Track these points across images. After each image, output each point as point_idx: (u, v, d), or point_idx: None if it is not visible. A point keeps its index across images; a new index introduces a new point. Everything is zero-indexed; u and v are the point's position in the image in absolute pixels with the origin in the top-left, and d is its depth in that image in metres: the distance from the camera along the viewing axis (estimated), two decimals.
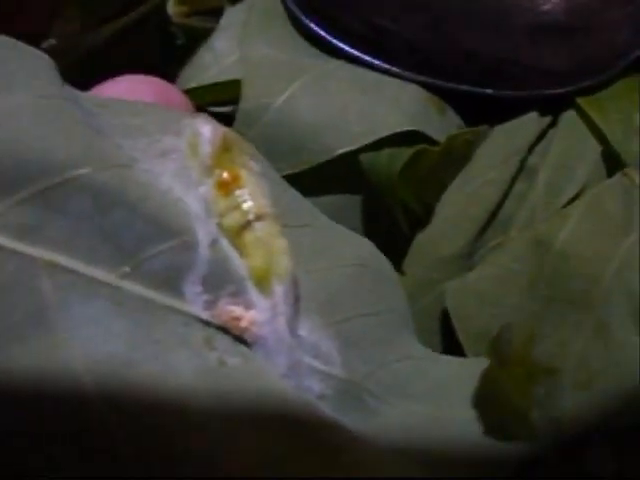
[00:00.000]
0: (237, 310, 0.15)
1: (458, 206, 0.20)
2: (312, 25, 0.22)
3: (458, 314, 0.17)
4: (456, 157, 0.20)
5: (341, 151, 0.20)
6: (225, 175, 0.15)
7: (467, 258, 0.20)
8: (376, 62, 0.21)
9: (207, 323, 0.15)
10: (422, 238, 0.20)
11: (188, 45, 0.25)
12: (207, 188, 0.15)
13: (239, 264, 0.15)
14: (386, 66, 0.21)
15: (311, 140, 0.20)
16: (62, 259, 0.14)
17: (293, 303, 0.14)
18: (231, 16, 0.23)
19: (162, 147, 0.16)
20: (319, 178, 0.20)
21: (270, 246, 0.14)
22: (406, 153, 0.19)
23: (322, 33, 0.22)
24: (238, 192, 0.15)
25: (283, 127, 0.20)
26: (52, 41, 0.22)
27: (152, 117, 0.17)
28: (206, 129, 0.15)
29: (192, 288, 0.15)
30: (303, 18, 0.22)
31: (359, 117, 0.20)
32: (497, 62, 0.21)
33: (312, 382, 0.14)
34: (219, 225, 0.15)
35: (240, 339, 0.15)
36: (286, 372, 0.14)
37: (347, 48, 0.21)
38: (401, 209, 0.19)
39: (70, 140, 0.15)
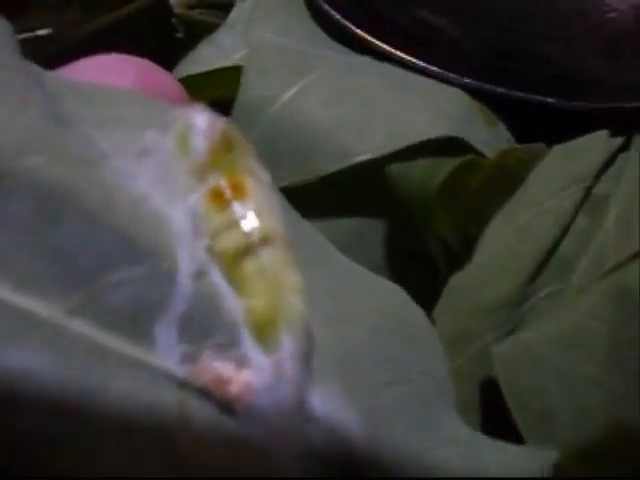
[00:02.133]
0: (226, 369, 0.11)
1: (506, 241, 0.16)
2: (335, 13, 0.19)
3: (512, 387, 0.13)
4: (506, 180, 0.17)
5: (361, 158, 0.16)
6: (223, 181, 0.11)
7: (515, 307, 0.16)
8: (412, 59, 0.18)
9: (183, 384, 0.11)
10: (459, 279, 0.17)
11: (189, 39, 0.22)
12: (197, 197, 0.12)
13: (233, 304, 0.11)
14: (423, 64, 0.18)
15: (322, 143, 0.16)
16: None
17: (305, 363, 0.11)
18: (241, 11, 0.20)
19: (142, 144, 0.12)
20: (330, 194, 0.16)
21: (279, 281, 0.11)
22: (448, 165, 0.15)
23: (347, 23, 0.19)
24: (239, 205, 0.11)
25: (288, 126, 0.16)
26: (48, 29, 0.21)
27: (133, 107, 0.14)
28: (201, 119, 0.12)
29: (165, 333, 0.11)
30: (324, 5, 0.19)
31: (386, 118, 0.16)
32: (560, 68, 0.18)
33: (323, 464, 0.11)
34: (209, 249, 0.11)
35: (227, 409, 0.11)
36: (289, 462, 0.11)
37: (375, 41, 0.18)
38: (437, 239, 0.16)
39: (17, 121, 0.12)
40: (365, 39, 0.18)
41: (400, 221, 0.17)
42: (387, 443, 0.12)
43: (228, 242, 0.11)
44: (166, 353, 0.11)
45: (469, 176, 0.15)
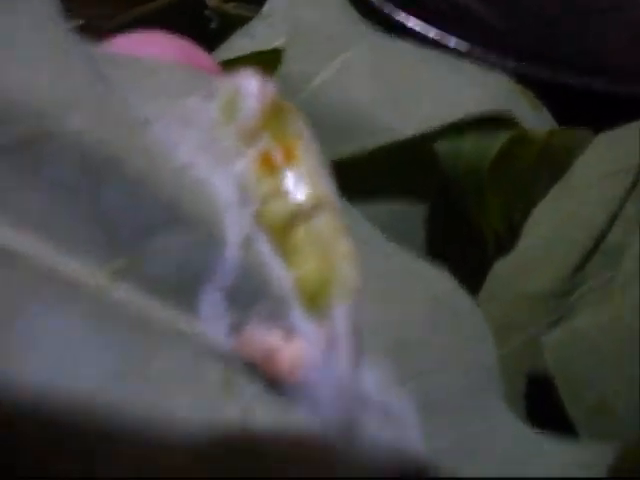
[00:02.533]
0: (274, 339, 0.11)
1: (552, 228, 0.16)
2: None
3: (565, 378, 0.13)
4: (552, 162, 0.16)
5: (406, 134, 0.15)
6: (273, 146, 0.11)
7: (562, 297, 0.16)
8: (454, 40, 0.17)
9: (229, 356, 0.11)
10: (503, 266, 0.16)
11: (222, 31, 0.22)
12: (246, 163, 0.11)
13: (282, 273, 0.11)
14: (466, 46, 0.17)
15: (365, 119, 0.15)
16: (26, 243, 0.10)
17: (359, 335, 0.10)
18: (275, 3, 0.20)
19: (184, 112, 0.12)
20: (373, 173, 0.16)
21: (330, 248, 0.10)
22: (498, 140, 0.15)
23: (387, 6, 0.19)
24: (289, 171, 0.11)
25: (330, 101, 0.16)
26: (80, 21, 0.20)
27: (175, 77, 0.13)
28: (251, 82, 0.11)
29: (211, 302, 0.11)
30: None
31: (431, 95, 0.16)
32: (609, 52, 0.17)
33: (378, 457, 0.10)
34: (258, 216, 0.11)
35: (276, 383, 0.11)
36: (341, 439, 0.10)
37: (416, 24, 0.18)
38: (488, 220, 0.15)
39: (62, 81, 0.11)
40: (405, 22, 0.18)
41: (446, 202, 0.16)
42: (441, 434, 0.11)
43: (278, 209, 0.11)
44: (211, 323, 0.11)
45: (520, 152, 0.15)
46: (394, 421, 0.10)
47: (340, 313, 0.10)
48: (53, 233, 0.10)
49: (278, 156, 0.11)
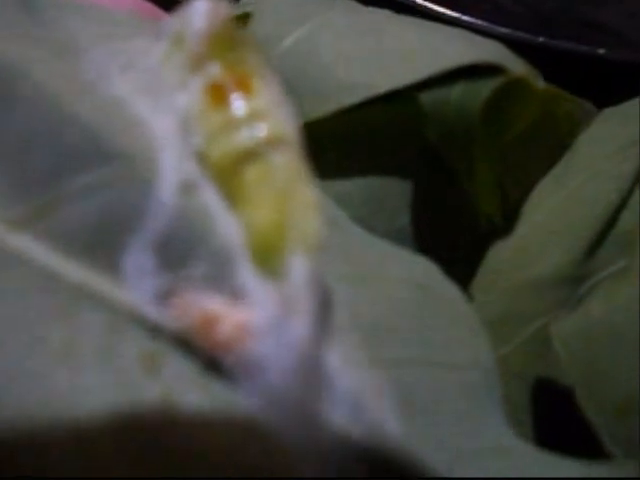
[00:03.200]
0: (214, 304, 0.08)
1: (555, 207, 0.14)
2: None
3: (582, 374, 0.10)
4: (553, 133, 0.14)
5: (385, 88, 0.13)
6: (223, 73, 0.09)
7: (571, 284, 0.14)
8: (440, 9, 0.16)
9: (155, 326, 0.08)
10: (500, 252, 0.14)
11: None
12: (189, 95, 0.09)
13: (227, 223, 0.09)
14: (453, 14, 0.16)
15: (341, 76, 0.13)
16: None
17: (322, 301, 0.08)
18: None
19: (128, 55, 0.10)
20: (348, 141, 0.14)
21: (289, 193, 0.08)
22: (490, 87, 0.12)
23: None
24: (242, 101, 0.09)
25: (303, 60, 0.14)
26: None
27: (123, 22, 0.12)
28: (200, 4, 0.10)
29: (137, 260, 0.08)
30: None
31: (413, 51, 0.14)
32: (608, 26, 0.16)
33: (345, 457, 0.08)
34: (202, 155, 0.09)
35: (212, 362, 0.09)
36: (297, 434, 0.08)
37: (429, 4, 0.16)
38: (480, 189, 0.13)
39: None
40: (416, 2, 0.16)
41: (431, 174, 0.14)
42: (424, 436, 0.09)
43: (226, 145, 0.09)
44: (136, 286, 0.08)
45: (516, 100, 0.13)
46: (364, 411, 0.08)
47: (299, 269, 0.08)
48: None
49: (229, 86, 0.09)
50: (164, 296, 0.08)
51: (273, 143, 0.09)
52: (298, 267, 0.08)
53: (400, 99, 0.13)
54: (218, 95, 0.09)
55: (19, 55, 0.09)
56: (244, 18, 0.17)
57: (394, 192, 0.14)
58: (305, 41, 0.15)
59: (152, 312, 0.08)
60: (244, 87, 0.09)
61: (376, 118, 0.14)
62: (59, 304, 0.08)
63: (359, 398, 0.08)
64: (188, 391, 0.08)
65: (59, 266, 0.08)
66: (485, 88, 0.12)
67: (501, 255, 0.14)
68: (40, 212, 0.09)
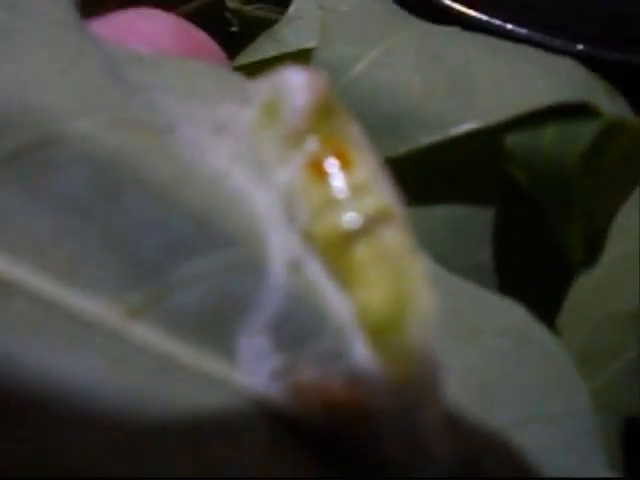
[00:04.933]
0: (334, 385, 0.09)
1: None
2: None
3: None
4: (634, 164, 0.14)
5: (466, 128, 0.13)
6: (324, 149, 0.09)
7: None
8: (510, 26, 0.16)
9: (274, 407, 0.09)
10: (586, 283, 0.14)
11: (244, 34, 0.21)
12: (291, 171, 0.09)
13: (338, 301, 0.09)
14: (524, 31, 0.15)
15: (416, 111, 0.13)
16: (24, 272, 0.09)
17: (442, 378, 0.08)
18: (302, 5, 0.19)
19: (218, 118, 0.11)
20: (425, 175, 0.14)
21: (402, 269, 0.08)
22: (586, 132, 0.12)
23: None
24: (345, 177, 0.09)
25: (374, 90, 0.13)
26: None
27: (205, 78, 0.12)
28: (298, 77, 0.10)
29: (252, 342, 0.09)
30: None
31: (494, 84, 0.13)
32: None
33: None
34: (307, 233, 0.09)
35: (338, 438, 0.09)
36: None
37: (466, 10, 0.16)
38: (576, 229, 0.13)
39: (69, 78, 0.10)
40: (451, 7, 0.16)
41: (515, 208, 0.14)
42: None
43: (332, 223, 0.09)
44: (252, 367, 0.09)
45: (615, 144, 0.13)
46: None
47: (421, 347, 0.08)
48: (57, 260, 0.09)
49: (330, 161, 0.09)
50: (282, 376, 0.09)
51: (381, 218, 0.09)
52: (419, 346, 0.08)
53: (482, 136, 0.13)
54: (319, 172, 0.09)
55: (124, 143, 0.09)
56: (303, 55, 0.17)
57: (475, 226, 0.14)
58: (379, 66, 0.14)
59: (269, 395, 0.09)
60: (345, 161, 0.09)
61: (456, 152, 0.14)
62: (181, 391, 0.09)
63: (475, 467, 0.09)
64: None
65: (176, 350, 0.09)
66: (582, 133, 0.12)
67: (587, 286, 0.14)
68: (154, 298, 0.09)
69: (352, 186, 0.09)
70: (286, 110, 0.10)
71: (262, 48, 0.19)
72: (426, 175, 0.14)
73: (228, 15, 0.23)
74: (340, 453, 0.08)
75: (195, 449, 0.08)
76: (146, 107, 0.10)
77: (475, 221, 0.14)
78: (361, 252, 0.09)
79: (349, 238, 0.09)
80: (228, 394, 0.09)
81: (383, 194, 0.09)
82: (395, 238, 0.09)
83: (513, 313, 0.12)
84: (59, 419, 0.08)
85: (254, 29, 0.21)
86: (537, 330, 0.12)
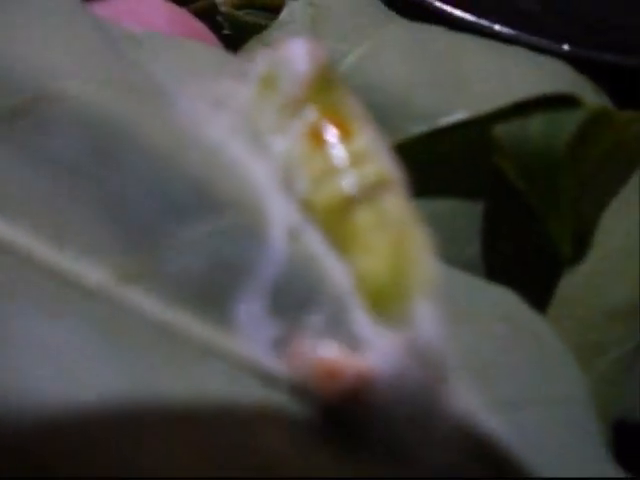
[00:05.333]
0: (333, 353, 0.09)
1: (631, 230, 0.14)
2: None
3: None
4: (625, 156, 0.15)
5: (454, 118, 0.13)
6: (323, 118, 0.09)
7: None
8: (498, 27, 0.16)
9: (273, 377, 0.09)
10: (575, 278, 0.14)
11: (236, 38, 0.21)
12: (289, 139, 0.09)
13: (338, 269, 0.09)
14: (512, 32, 0.16)
15: (405, 103, 0.13)
16: (17, 234, 0.08)
17: (445, 347, 0.08)
18: (293, 10, 0.19)
19: (215, 92, 0.10)
20: (411, 168, 0.14)
21: (404, 235, 0.08)
22: (573, 121, 0.12)
23: None
24: (344, 145, 0.09)
25: (363, 83, 0.14)
26: None
27: (204, 56, 0.12)
28: (299, 46, 0.10)
29: (250, 308, 0.09)
30: None
31: (481, 76, 0.14)
32: None
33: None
34: (306, 200, 0.09)
35: (337, 408, 0.09)
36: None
37: (455, 11, 0.16)
38: (562, 220, 0.13)
39: (68, 44, 0.10)
40: (441, 8, 0.16)
41: (502, 200, 0.14)
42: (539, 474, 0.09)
43: (332, 190, 0.09)
44: (251, 335, 0.09)
45: (600, 134, 0.13)
46: (494, 463, 0.08)
47: (425, 314, 0.08)
48: (51, 223, 0.09)
49: (329, 130, 0.09)
50: (280, 344, 0.09)
51: (381, 185, 0.09)
52: (424, 313, 0.08)
53: (471, 128, 0.13)
54: (318, 140, 0.09)
55: (120, 105, 0.09)
56: None
57: (464, 220, 0.14)
58: (366, 60, 0.15)
59: (268, 362, 0.08)
60: (344, 130, 0.09)
61: (444, 144, 0.14)
62: (176, 357, 0.08)
63: (481, 446, 0.08)
64: (312, 445, 0.08)
65: (171, 318, 0.09)
66: (568, 123, 0.12)
67: (575, 282, 0.14)
68: (149, 264, 0.09)
69: (352, 154, 0.09)
70: (286, 79, 0.10)
71: (252, 52, 0.19)
72: (414, 168, 0.14)
73: (220, 19, 0.23)
74: (344, 427, 0.08)
75: (191, 419, 0.08)
76: (146, 79, 0.10)
77: (463, 214, 0.14)
78: (361, 218, 0.09)
79: (349, 204, 0.09)
80: (225, 362, 0.09)
81: (383, 162, 0.09)
82: (396, 205, 0.09)
83: (507, 300, 0.12)
84: (45, 391, 0.08)
85: (246, 33, 0.22)
86: (532, 317, 0.12)
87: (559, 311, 0.14)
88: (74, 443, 0.08)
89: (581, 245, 0.15)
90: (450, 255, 0.15)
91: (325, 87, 0.10)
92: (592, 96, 0.15)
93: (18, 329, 0.08)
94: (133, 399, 0.08)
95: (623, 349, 0.14)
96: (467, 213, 0.14)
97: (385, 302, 0.08)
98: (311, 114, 0.09)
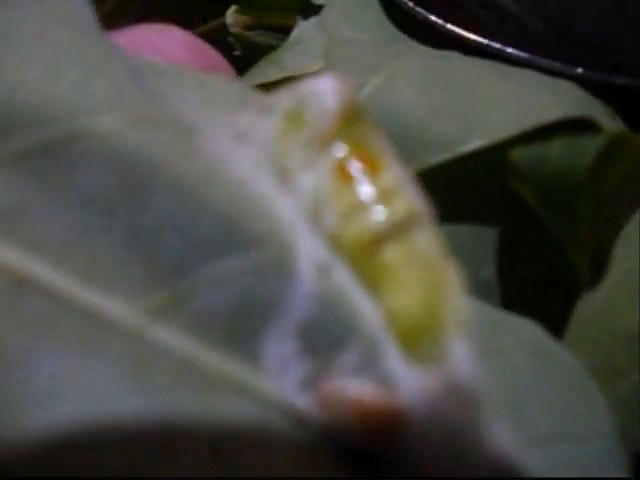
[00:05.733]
0: (366, 393, 0.08)
1: None
2: (418, 9, 0.18)
3: None
4: (638, 182, 0.15)
5: (471, 146, 0.13)
6: (351, 154, 0.09)
7: None
8: (511, 50, 0.16)
9: (303, 417, 0.08)
10: (592, 302, 0.14)
11: (247, 59, 0.21)
12: (317, 175, 0.09)
13: (368, 307, 0.09)
14: (524, 55, 0.16)
15: (422, 132, 0.13)
16: (43, 270, 0.08)
17: (479, 389, 0.08)
18: (303, 31, 0.19)
19: (239, 127, 0.10)
20: (428, 187, 0.14)
21: (436, 272, 0.08)
22: (592, 145, 0.12)
23: (432, 17, 0.18)
24: (374, 182, 0.09)
25: (379, 115, 0.13)
26: None
27: (226, 90, 0.12)
28: (327, 82, 0.09)
29: (279, 347, 0.08)
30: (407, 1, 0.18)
31: (497, 103, 0.14)
32: None
33: None
34: (334, 237, 0.09)
35: (371, 448, 0.08)
36: None
37: (467, 34, 0.17)
38: (583, 244, 0.13)
39: (93, 79, 0.10)
40: (453, 31, 0.17)
41: (518, 228, 0.14)
42: None
43: (361, 225, 0.09)
44: (279, 373, 0.08)
45: (618, 158, 0.13)
46: None
47: (459, 352, 0.08)
48: (77, 258, 0.09)
49: (358, 166, 0.09)
50: (310, 383, 0.08)
51: (411, 221, 0.09)
52: (458, 351, 0.08)
53: (489, 154, 0.13)
54: (346, 175, 0.09)
55: (150, 141, 0.09)
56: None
57: (479, 242, 0.14)
58: (382, 90, 0.15)
59: (299, 400, 0.08)
60: (372, 165, 0.09)
61: (461, 170, 0.14)
62: (204, 394, 0.08)
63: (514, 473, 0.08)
64: None
65: (199, 355, 0.08)
66: (588, 147, 0.12)
67: (592, 305, 0.14)
68: (177, 300, 0.09)
69: (380, 190, 0.09)
70: (313, 114, 0.09)
71: (263, 72, 0.19)
72: (430, 193, 0.14)
73: (231, 40, 0.23)
74: (375, 466, 0.08)
75: (218, 459, 0.08)
76: (170, 112, 0.10)
77: (479, 238, 0.14)
78: (391, 255, 0.09)
79: (379, 241, 0.09)
80: (253, 401, 0.08)
81: (412, 197, 0.09)
82: (426, 240, 0.09)
83: (530, 331, 0.12)
84: (73, 424, 0.08)
85: (256, 54, 0.22)
86: (556, 348, 0.12)
87: (576, 336, 0.14)
88: (103, 471, 0.07)
89: (598, 268, 0.15)
90: (467, 279, 0.15)
91: (353, 123, 0.10)
92: (607, 119, 0.15)
93: (46, 365, 0.08)
94: (162, 428, 0.08)
95: None
96: (483, 236, 0.14)
97: (418, 340, 0.08)
98: (339, 150, 0.09)
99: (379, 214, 0.09)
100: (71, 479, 0.08)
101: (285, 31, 0.22)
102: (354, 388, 0.08)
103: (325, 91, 0.09)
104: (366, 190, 0.09)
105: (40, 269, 0.08)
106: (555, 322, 0.14)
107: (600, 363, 0.14)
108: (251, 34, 0.23)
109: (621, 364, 0.14)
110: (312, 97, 0.10)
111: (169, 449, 0.08)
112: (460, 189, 0.15)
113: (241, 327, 0.09)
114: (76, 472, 0.08)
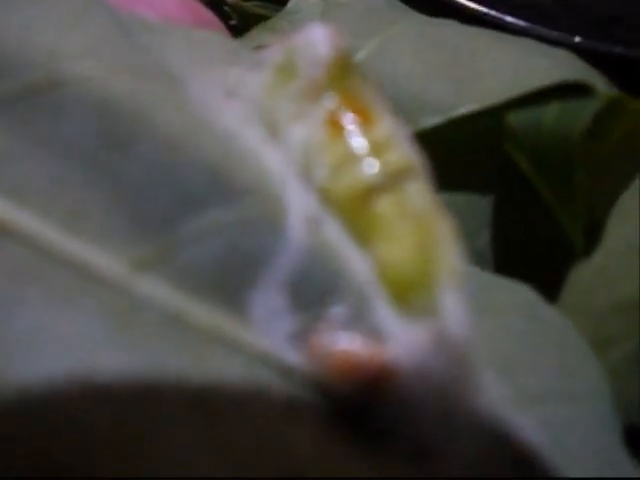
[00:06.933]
0: (355, 345, 0.08)
1: None
2: None
3: None
4: (634, 150, 0.15)
5: (467, 109, 0.13)
6: (342, 105, 0.09)
7: None
8: (510, 19, 0.16)
9: (291, 371, 0.08)
10: (585, 271, 0.14)
11: (242, 28, 0.21)
12: (307, 127, 0.09)
13: (359, 260, 0.09)
14: (523, 24, 0.16)
15: (417, 95, 0.13)
16: (26, 219, 0.08)
17: (470, 342, 0.08)
18: (301, 2, 0.19)
19: (228, 82, 0.10)
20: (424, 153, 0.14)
21: (429, 224, 0.08)
22: (588, 110, 0.12)
23: None
24: (366, 133, 0.09)
25: (374, 77, 0.14)
26: None
27: (215, 45, 0.11)
28: (318, 31, 0.09)
29: (267, 300, 0.08)
30: None
31: (493, 67, 0.14)
32: None
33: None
34: (325, 189, 0.09)
35: (359, 402, 0.08)
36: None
37: (467, 2, 0.16)
38: (576, 211, 0.13)
39: (76, 25, 0.09)
40: (452, 0, 0.16)
41: (513, 195, 0.14)
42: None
43: (353, 177, 0.09)
44: (268, 327, 0.08)
45: (613, 123, 0.13)
46: (525, 459, 0.08)
47: (451, 304, 0.08)
48: (60, 208, 0.08)
49: (350, 118, 0.09)
50: (298, 337, 0.08)
51: (404, 173, 0.09)
52: (450, 303, 0.08)
53: (484, 118, 0.13)
54: (338, 127, 0.09)
55: (134, 90, 0.09)
56: None
57: (474, 211, 0.14)
58: (377, 55, 0.15)
59: (286, 356, 0.08)
60: (364, 117, 0.09)
61: (456, 135, 0.14)
62: (191, 348, 0.08)
63: (509, 442, 0.08)
64: (333, 438, 0.08)
65: (185, 307, 0.08)
66: (583, 112, 0.12)
67: (585, 274, 0.14)
68: (164, 252, 0.08)
69: (373, 142, 0.09)
70: (305, 64, 0.09)
71: (258, 38, 0.19)
72: (428, 160, 0.14)
73: (227, 9, 0.23)
74: (363, 421, 0.08)
75: (204, 413, 0.08)
76: (157, 64, 0.10)
77: (473, 206, 0.14)
78: (383, 207, 0.08)
79: (370, 193, 0.09)
80: (240, 355, 0.08)
81: (405, 149, 0.09)
82: (419, 192, 0.08)
83: (525, 295, 0.12)
84: (54, 377, 0.08)
85: (253, 24, 0.22)
86: (550, 312, 0.12)
87: (569, 303, 0.14)
88: (85, 425, 0.07)
89: (592, 236, 0.15)
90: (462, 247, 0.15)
91: (344, 73, 0.09)
92: (603, 87, 0.15)
93: (28, 316, 0.08)
94: (147, 382, 0.08)
95: (633, 343, 0.14)
96: (477, 204, 0.14)
97: (409, 292, 0.08)
98: (330, 101, 0.09)
99: (371, 166, 0.09)
100: (51, 432, 0.08)
101: (282, 3, 0.22)
102: (344, 341, 0.08)
103: (317, 40, 0.09)
104: (358, 142, 0.09)
105: (23, 218, 0.08)
106: (548, 289, 0.14)
107: (592, 331, 0.14)
108: (248, 4, 0.23)
109: (613, 333, 0.14)
110: (304, 46, 0.09)
111: (153, 402, 0.08)
112: (455, 155, 0.15)
113: (229, 280, 0.08)
114: (57, 426, 0.08)
